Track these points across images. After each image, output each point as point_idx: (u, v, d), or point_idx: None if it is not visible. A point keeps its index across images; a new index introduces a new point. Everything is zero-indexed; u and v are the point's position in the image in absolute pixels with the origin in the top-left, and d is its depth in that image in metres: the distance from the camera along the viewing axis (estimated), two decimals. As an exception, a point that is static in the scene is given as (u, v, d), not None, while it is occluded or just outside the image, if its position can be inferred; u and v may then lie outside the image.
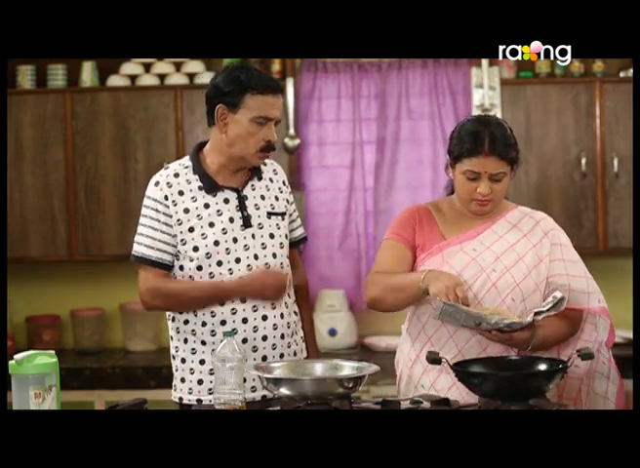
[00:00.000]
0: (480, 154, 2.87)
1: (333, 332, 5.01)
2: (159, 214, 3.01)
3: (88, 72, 5.05)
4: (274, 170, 3.17)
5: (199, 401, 3.02)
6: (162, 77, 5.08)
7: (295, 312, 3.13)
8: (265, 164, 3.14)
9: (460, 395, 2.84)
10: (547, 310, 2.76)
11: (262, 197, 3.09)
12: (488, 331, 2.77)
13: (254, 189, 3.08)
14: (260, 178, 3.11)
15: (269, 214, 3.08)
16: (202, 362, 3.02)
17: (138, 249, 3.04)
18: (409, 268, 2.96)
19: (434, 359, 2.75)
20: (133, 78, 5.09)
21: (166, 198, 3.01)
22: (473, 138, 2.88)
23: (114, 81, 5.07)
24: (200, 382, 3.03)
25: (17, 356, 2.62)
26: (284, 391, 2.65)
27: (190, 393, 3.04)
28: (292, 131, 5.00)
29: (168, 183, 3.03)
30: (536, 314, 2.76)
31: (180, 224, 3.00)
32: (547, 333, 2.85)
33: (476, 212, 2.97)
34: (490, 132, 2.89)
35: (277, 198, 3.12)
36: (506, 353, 2.87)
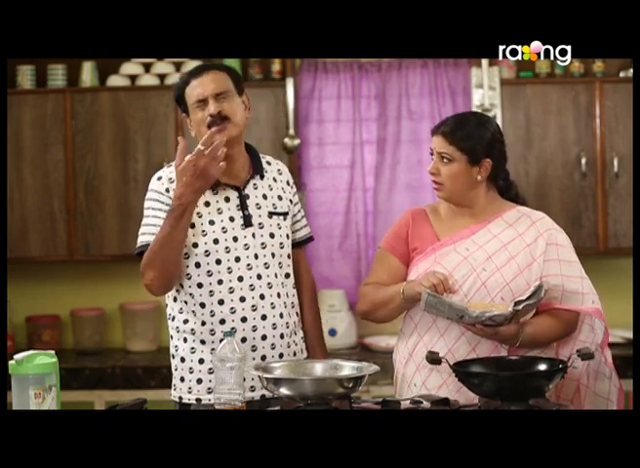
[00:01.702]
0: (434, 133, 3.02)
1: (333, 332, 5.01)
2: (163, 204, 3.01)
3: (88, 72, 5.05)
4: (279, 169, 3.18)
5: (198, 400, 3.02)
6: (162, 77, 5.08)
7: (296, 313, 3.13)
8: (270, 163, 3.14)
9: (450, 394, 2.85)
10: (527, 299, 2.77)
11: (265, 196, 3.09)
12: (472, 325, 2.79)
13: (256, 188, 3.08)
14: (262, 177, 3.11)
15: (271, 214, 3.08)
16: (201, 361, 3.02)
17: (143, 239, 3.02)
18: (399, 279, 3.01)
19: (434, 359, 2.76)
20: (133, 78, 5.09)
21: (168, 191, 3.01)
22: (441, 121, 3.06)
23: (114, 81, 5.07)
24: (199, 381, 3.03)
25: (17, 356, 2.62)
26: (284, 391, 2.65)
27: (190, 392, 3.04)
28: (292, 131, 5.00)
29: (170, 179, 3.03)
30: (515, 304, 2.77)
31: None
32: (537, 331, 2.87)
33: (438, 197, 3.05)
34: (455, 117, 3.04)
35: (280, 198, 3.12)
36: (496, 351, 2.89)
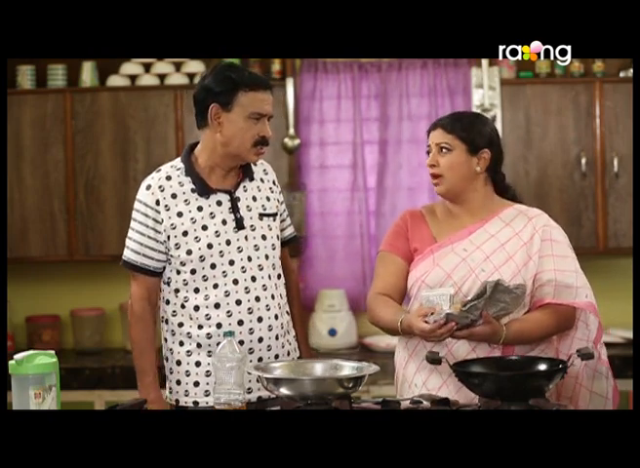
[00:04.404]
0: (432, 128, 3.03)
1: (333, 332, 5.01)
2: (148, 219, 3.02)
3: (88, 72, 5.05)
4: (264, 170, 3.16)
5: (195, 403, 3.02)
6: (162, 77, 5.08)
7: (287, 312, 3.13)
8: (256, 164, 3.13)
9: (450, 394, 2.85)
10: (471, 300, 2.75)
11: (254, 198, 3.08)
12: (448, 331, 2.77)
13: (245, 190, 3.07)
14: (251, 179, 3.10)
15: (261, 216, 3.07)
16: (198, 364, 3.01)
17: (125, 253, 3.07)
18: (405, 278, 3.02)
19: (434, 359, 2.76)
20: (133, 78, 5.09)
21: (157, 203, 3.01)
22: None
23: (114, 81, 5.07)
24: (196, 384, 3.02)
25: (17, 356, 2.62)
26: (284, 391, 2.65)
27: (187, 395, 3.03)
28: (292, 131, 5.00)
29: (160, 187, 3.02)
30: (463, 305, 2.76)
31: (173, 228, 2.99)
32: (524, 326, 2.86)
33: (437, 193, 3.04)
34: (452, 113, 3.09)
35: (268, 199, 3.12)
36: (493, 352, 2.88)
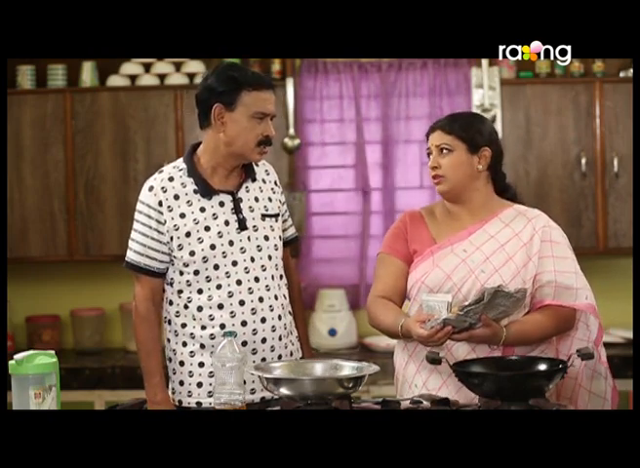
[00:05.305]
0: (431, 130, 3.04)
1: (333, 332, 5.01)
2: (151, 220, 3.01)
3: (88, 72, 5.05)
4: (266, 170, 3.16)
5: (199, 404, 3.01)
6: (162, 77, 5.08)
7: (289, 312, 3.13)
8: (257, 164, 3.13)
9: (450, 394, 2.85)
10: (469, 304, 2.75)
11: (256, 199, 3.08)
12: (446, 335, 2.77)
13: (248, 191, 3.07)
14: (253, 180, 3.10)
15: (263, 216, 3.07)
16: (201, 364, 3.01)
17: (128, 254, 3.07)
18: (404, 280, 3.02)
19: (434, 359, 2.76)
20: (133, 78, 5.09)
21: (160, 204, 3.00)
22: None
23: (114, 81, 5.07)
24: (200, 385, 3.02)
25: (17, 356, 2.62)
26: (284, 391, 2.65)
27: (190, 396, 3.03)
28: (292, 131, 5.00)
29: (163, 188, 3.02)
30: (460, 309, 2.76)
31: (176, 229, 2.99)
32: (525, 328, 2.86)
33: (438, 192, 3.04)
34: (449, 114, 3.10)
35: (270, 199, 3.12)
36: (493, 352, 2.87)
